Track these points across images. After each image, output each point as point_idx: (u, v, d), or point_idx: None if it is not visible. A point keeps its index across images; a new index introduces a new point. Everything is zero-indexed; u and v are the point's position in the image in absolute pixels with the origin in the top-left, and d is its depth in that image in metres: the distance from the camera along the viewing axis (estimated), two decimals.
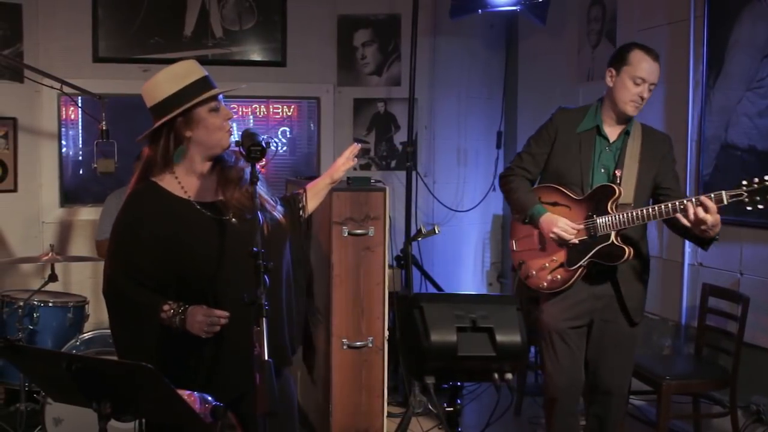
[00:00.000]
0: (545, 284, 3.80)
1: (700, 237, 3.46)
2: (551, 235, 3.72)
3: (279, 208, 2.99)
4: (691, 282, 5.13)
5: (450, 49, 6.98)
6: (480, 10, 6.14)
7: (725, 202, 3.30)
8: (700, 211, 3.31)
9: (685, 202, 3.38)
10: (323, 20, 6.79)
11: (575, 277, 3.72)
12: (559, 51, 6.51)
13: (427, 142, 7.01)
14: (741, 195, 3.28)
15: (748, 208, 3.29)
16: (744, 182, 3.30)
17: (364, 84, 6.91)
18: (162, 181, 2.85)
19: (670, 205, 3.45)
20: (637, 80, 3.64)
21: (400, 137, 6.87)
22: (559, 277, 3.75)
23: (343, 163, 3.17)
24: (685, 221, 3.37)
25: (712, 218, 3.30)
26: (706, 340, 4.81)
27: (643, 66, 3.64)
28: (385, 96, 6.90)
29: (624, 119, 3.77)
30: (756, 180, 3.27)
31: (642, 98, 3.67)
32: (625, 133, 3.78)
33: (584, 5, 6.15)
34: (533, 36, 6.84)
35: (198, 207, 2.83)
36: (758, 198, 3.26)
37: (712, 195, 3.31)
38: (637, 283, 3.81)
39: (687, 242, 5.10)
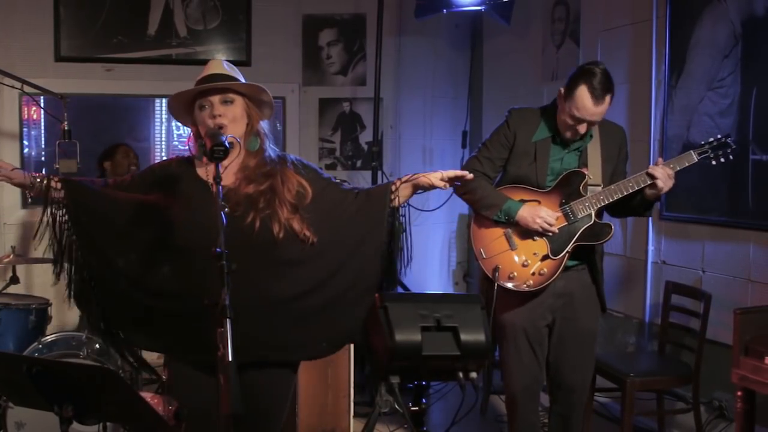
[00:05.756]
0: (531, 282, 3.71)
1: (648, 203, 3.74)
2: (535, 226, 3.65)
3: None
4: (655, 280, 5.17)
5: (415, 49, 6.99)
6: (445, 10, 6.14)
7: (696, 160, 3.67)
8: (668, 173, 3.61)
9: (649, 170, 3.64)
10: (288, 19, 6.78)
11: (562, 265, 3.70)
12: (524, 51, 6.54)
13: (392, 142, 7.01)
14: (707, 152, 3.69)
15: (713, 163, 3.70)
16: (703, 142, 3.75)
17: (330, 84, 6.90)
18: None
19: (640, 176, 3.64)
20: (576, 117, 3.59)
21: (365, 137, 6.87)
22: (546, 270, 3.70)
23: (435, 182, 3.19)
24: (661, 184, 3.58)
25: (672, 181, 3.63)
26: (669, 337, 4.86)
27: (583, 106, 3.54)
28: (351, 96, 6.89)
29: None
30: (711, 139, 3.73)
31: (578, 131, 3.64)
32: (589, 135, 3.75)
33: (548, 5, 6.18)
34: (498, 36, 6.86)
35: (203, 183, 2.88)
36: (720, 152, 3.70)
37: (683, 155, 3.69)
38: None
39: (650, 240, 5.15)
